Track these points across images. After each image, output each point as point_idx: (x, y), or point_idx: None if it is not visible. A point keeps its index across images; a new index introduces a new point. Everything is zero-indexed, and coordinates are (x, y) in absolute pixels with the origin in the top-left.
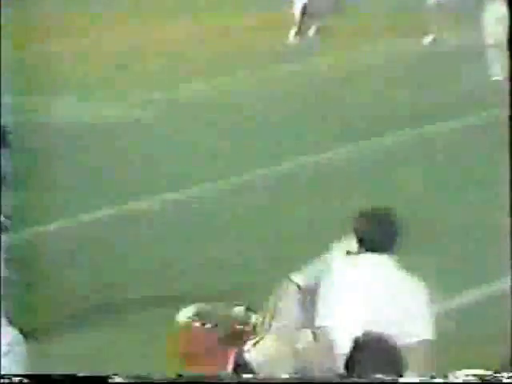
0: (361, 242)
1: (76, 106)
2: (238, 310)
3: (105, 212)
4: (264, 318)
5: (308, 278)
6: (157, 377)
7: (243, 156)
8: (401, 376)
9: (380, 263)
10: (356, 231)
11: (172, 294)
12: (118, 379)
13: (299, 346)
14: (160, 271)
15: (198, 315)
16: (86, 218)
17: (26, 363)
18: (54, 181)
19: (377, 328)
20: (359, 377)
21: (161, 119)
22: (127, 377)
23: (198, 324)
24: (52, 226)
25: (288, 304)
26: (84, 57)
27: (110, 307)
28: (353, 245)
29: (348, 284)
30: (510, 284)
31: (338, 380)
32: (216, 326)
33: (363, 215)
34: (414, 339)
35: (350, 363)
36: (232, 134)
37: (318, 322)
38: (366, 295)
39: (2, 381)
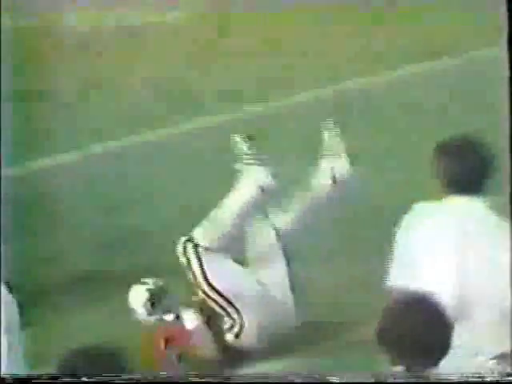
0: (444, 182)
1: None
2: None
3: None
4: (224, 311)
5: (212, 233)
6: (157, 375)
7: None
8: (446, 352)
9: (469, 208)
10: (437, 169)
11: None
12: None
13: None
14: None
15: (154, 300)
16: (98, 148)
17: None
18: (59, 101)
19: (467, 289)
20: (389, 351)
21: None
22: (127, 378)
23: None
24: (56, 160)
25: (227, 279)
26: None
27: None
28: None
29: (430, 236)
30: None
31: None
32: (177, 317)
33: (444, 148)
34: None
35: (380, 333)
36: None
37: (390, 282)
38: (453, 249)
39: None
